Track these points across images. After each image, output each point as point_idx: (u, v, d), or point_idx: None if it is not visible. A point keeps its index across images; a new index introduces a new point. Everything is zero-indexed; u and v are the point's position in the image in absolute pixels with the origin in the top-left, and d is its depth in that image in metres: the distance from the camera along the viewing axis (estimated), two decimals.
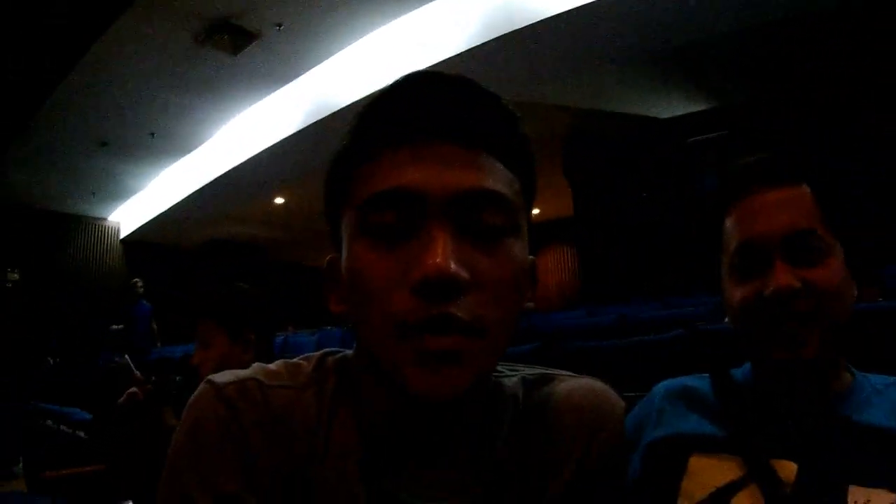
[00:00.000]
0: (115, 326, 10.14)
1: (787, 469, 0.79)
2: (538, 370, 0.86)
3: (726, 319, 0.93)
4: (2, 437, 6.18)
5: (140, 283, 10.12)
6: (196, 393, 0.73)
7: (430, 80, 0.69)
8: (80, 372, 7.32)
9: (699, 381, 0.96)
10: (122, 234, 13.20)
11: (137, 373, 2.15)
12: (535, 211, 10.95)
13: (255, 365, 0.78)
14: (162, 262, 13.27)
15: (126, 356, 2.24)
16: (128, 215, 12.78)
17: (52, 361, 9.08)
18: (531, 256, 0.74)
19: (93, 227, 12.98)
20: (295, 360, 0.81)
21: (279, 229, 13.09)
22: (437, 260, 0.61)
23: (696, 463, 0.84)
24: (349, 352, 0.80)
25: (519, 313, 0.71)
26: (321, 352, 0.82)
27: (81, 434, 4.11)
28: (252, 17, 6.37)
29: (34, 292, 11.52)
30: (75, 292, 12.20)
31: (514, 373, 0.84)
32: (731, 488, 0.80)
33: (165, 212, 11.42)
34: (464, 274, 0.63)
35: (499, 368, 0.83)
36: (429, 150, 0.66)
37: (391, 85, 0.70)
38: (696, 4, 5.42)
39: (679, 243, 7.58)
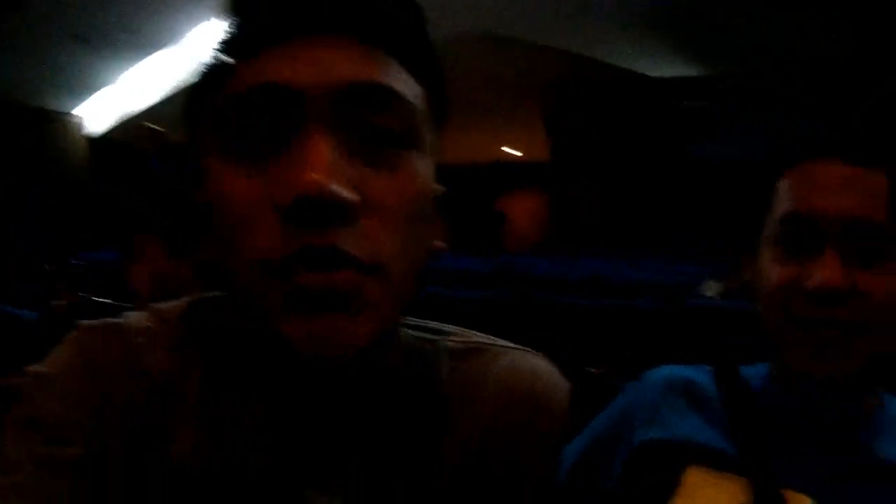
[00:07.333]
0: None
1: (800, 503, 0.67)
2: (465, 337, 0.71)
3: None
4: None
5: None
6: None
7: None
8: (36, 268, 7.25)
9: (704, 377, 0.80)
10: (88, 131, 12.78)
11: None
12: (514, 151, 10.78)
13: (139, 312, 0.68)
14: (136, 164, 12.89)
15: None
16: (97, 112, 12.31)
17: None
18: (439, 185, 0.60)
19: (55, 122, 12.51)
20: (172, 304, 0.69)
21: None
22: (314, 175, 0.47)
23: (693, 477, 0.71)
24: None
25: (426, 251, 0.58)
26: (200, 294, 0.69)
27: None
28: None
29: None
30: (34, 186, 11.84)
31: (434, 336, 0.69)
32: None
33: (144, 111, 10.91)
34: (349, 194, 0.48)
35: (410, 329, 0.68)
36: (310, 44, 0.52)
37: None
38: None
39: (660, 204, 7.46)
